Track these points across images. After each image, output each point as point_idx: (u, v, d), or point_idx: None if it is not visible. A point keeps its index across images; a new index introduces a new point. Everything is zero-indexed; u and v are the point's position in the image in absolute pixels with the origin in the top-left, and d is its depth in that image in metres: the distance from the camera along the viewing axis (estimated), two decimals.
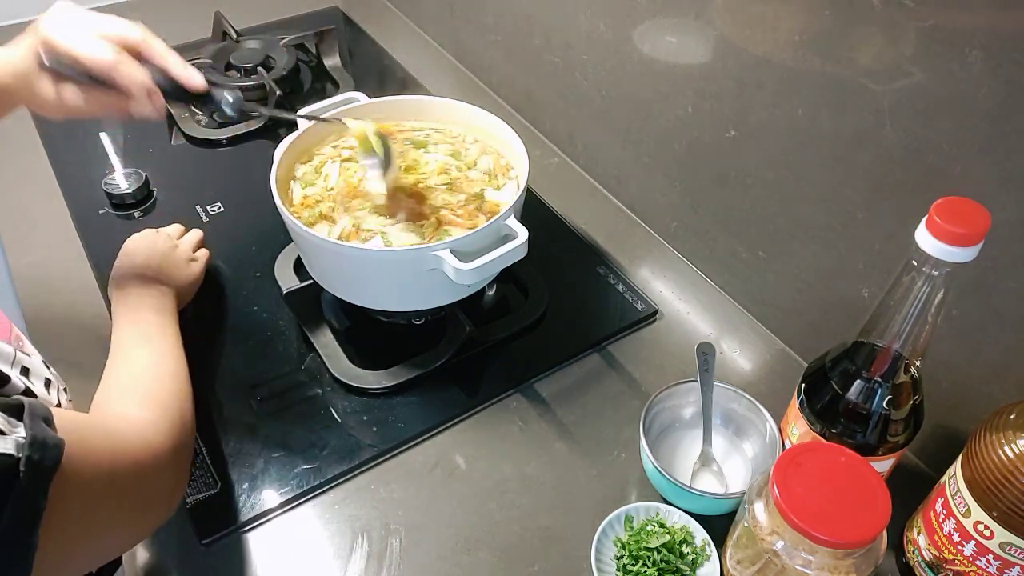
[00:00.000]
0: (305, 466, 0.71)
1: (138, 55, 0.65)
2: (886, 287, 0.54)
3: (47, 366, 0.63)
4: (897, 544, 0.66)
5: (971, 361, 0.65)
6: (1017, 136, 0.56)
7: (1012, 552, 0.54)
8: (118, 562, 0.63)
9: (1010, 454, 0.52)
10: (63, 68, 0.63)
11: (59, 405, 0.62)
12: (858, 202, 0.70)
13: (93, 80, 0.63)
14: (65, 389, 0.65)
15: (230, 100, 0.70)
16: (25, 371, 0.58)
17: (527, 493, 0.71)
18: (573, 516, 0.69)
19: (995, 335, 0.63)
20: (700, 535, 0.65)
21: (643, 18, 0.85)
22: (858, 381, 0.59)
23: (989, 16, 0.54)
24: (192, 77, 0.67)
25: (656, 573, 0.62)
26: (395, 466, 0.73)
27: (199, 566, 0.65)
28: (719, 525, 0.65)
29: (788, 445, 0.68)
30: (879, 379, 0.58)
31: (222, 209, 0.99)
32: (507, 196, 0.81)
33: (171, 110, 1.13)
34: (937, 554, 0.60)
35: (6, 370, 0.55)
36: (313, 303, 0.84)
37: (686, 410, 0.75)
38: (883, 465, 0.62)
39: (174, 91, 0.67)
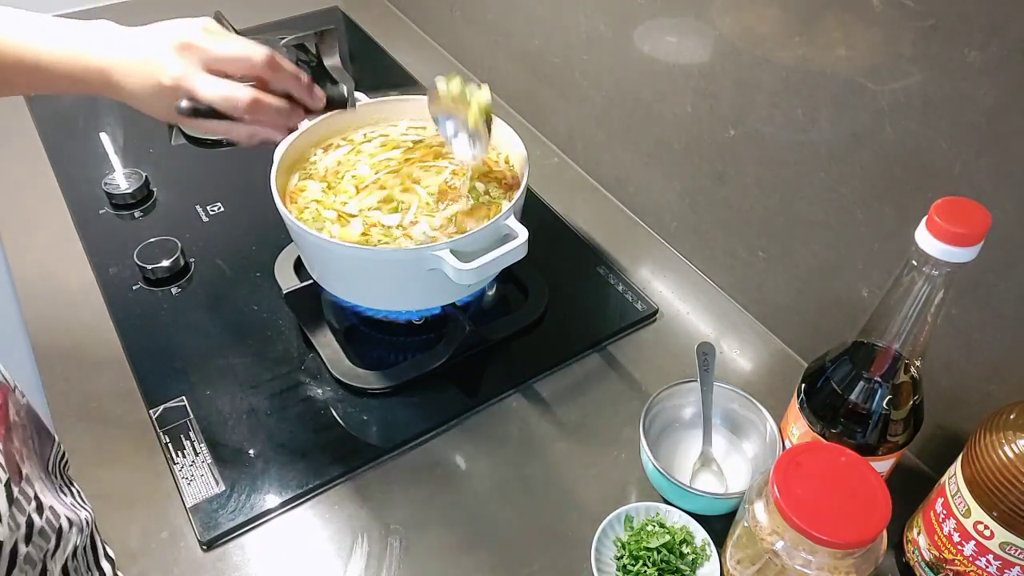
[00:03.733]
0: (305, 466, 0.71)
1: (265, 82, 0.66)
2: (886, 287, 0.54)
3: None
4: (897, 544, 0.66)
5: (971, 361, 0.65)
6: (1017, 136, 0.56)
7: (1012, 552, 0.54)
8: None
9: (1010, 454, 0.52)
10: (199, 109, 0.63)
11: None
12: (857, 202, 0.70)
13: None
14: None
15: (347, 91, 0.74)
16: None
17: (527, 493, 0.71)
18: (573, 516, 0.69)
19: (995, 335, 0.63)
20: (700, 535, 0.65)
21: (643, 18, 0.85)
22: (858, 381, 0.59)
23: (989, 16, 0.54)
24: (316, 98, 0.71)
25: (656, 573, 0.62)
26: (395, 466, 0.73)
27: (199, 566, 0.65)
28: (719, 525, 0.65)
29: (788, 445, 0.68)
30: (879, 379, 0.58)
31: (222, 209, 0.99)
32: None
33: None
34: (937, 554, 0.60)
35: None
36: (313, 303, 0.84)
37: (686, 410, 0.75)
38: (883, 465, 0.62)
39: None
